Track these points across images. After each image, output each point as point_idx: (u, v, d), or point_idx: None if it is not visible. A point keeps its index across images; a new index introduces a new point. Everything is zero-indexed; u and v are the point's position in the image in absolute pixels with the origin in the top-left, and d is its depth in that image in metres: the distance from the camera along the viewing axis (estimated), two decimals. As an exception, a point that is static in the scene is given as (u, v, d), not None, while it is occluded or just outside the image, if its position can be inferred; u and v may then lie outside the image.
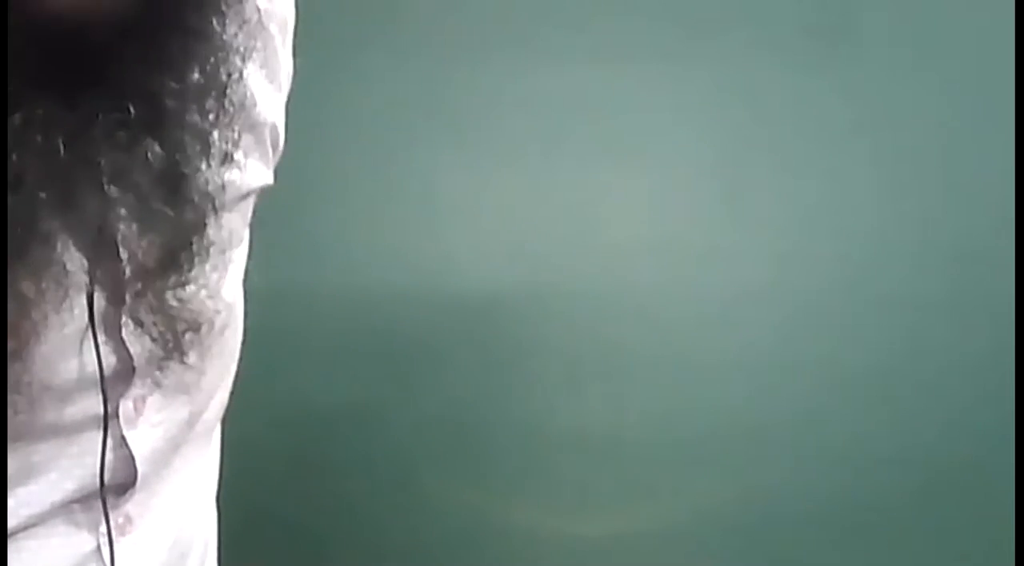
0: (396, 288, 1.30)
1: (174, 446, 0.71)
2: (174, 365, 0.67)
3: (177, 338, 0.65)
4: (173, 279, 0.63)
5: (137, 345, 0.65)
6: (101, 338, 0.63)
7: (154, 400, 0.68)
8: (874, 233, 1.28)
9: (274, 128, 0.75)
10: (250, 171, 0.72)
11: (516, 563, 1.34)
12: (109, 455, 0.66)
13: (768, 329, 1.30)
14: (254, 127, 0.72)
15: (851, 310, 1.29)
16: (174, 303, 0.64)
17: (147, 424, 0.68)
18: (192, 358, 0.67)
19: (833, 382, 1.30)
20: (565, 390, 1.32)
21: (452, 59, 1.29)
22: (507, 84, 1.29)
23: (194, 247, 0.64)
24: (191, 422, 0.72)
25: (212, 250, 0.65)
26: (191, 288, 0.65)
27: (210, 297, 0.67)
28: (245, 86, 0.67)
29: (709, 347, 1.30)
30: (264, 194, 0.77)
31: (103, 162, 0.58)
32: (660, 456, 1.32)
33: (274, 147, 0.76)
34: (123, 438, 0.67)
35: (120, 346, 0.65)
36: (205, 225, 0.64)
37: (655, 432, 1.31)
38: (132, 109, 0.57)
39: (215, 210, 0.65)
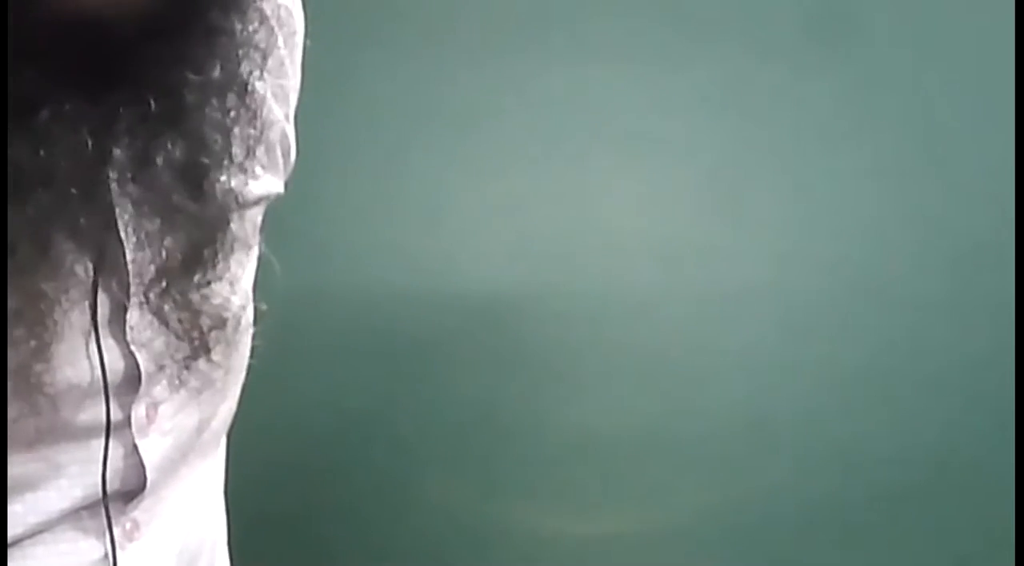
0: (398, 288, 1.30)
1: (182, 453, 0.71)
2: (201, 363, 0.66)
3: (203, 335, 0.65)
4: (198, 277, 0.63)
5: (161, 344, 0.64)
6: (106, 342, 0.63)
7: (166, 408, 0.67)
8: (874, 233, 1.28)
9: (284, 135, 0.74)
10: (263, 175, 0.72)
11: (517, 563, 1.34)
12: (120, 463, 0.66)
13: (768, 329, 1.30)
14: (268, 129, 0.71)
15: (851, 310, 1.29)
16: (200, 300, 0.64)
17: (158, 432, 0.67)
18: (218, 355, 0.67)
19: (833, 382, 1.29)
20: (566, 390, 1.31)
21: (454, 59, 1.28)
22: (508, 84, 1.29)
23: (218, 244, 0.63)
24: (199, 429, 0.71)
25: (236, 246, 0.65)
26: (216, 286, 0.64)
27: (234, 293, 0.67)
28: (265, 85, 0.67)
29: (709, 347, 1.30)
30: (271, 203, 0.77)
31: (125, 158, 0.58)
32: (661, 456, 1.31)
33: (284, 156, 0.75)
34: (135, 446, 0.66)
35: (127, 351, 0.64)
36: (228, 221, 0.64)
37: (656, 432, 1.31)
38: (153, 103, 0.57)
39: (238, 206, 0.65)
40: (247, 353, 0.75)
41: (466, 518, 1.33)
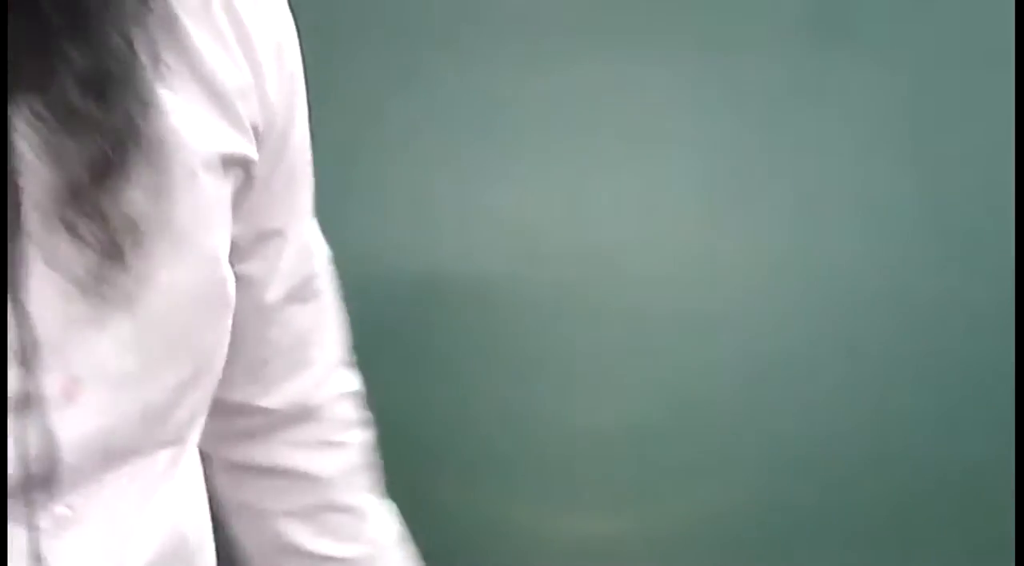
0: (392, 285, 1.30)
1: (123, 439, 0.67)
2: (116, 273, 0.62)
3: (114, 242, 0.62)
4: (108, 184, 0.61)
5: (78, 258, 0.61)
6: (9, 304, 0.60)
7: (96, 385, 0.64)
8: (877, 233, 1.28)
9: (243, 93, 0.70)
10: (213, 130, 0.68)
11: (515, 563, 1.34)
12: (42, 446, 0.62)
13: (768, 329, 1.30)
14: (202, 82, 0.68)
15: (853, 310, 1.29)
16: (110, 206, 0.61)
17: (82, 410, 0.64)
18: (132, 261, 0.62)
19: (835, 383, 1.29)
20: (564, 389, 1.31)
21: (447, 53, 1.28)
22: (504, 79, 1.28)
23: (129, 151, 0.61)
24: (147, 415, 0.67)
25: (152, 153, 0.62)
26: (130, 194, 0.62)
27: (150, 202, 0.63)
28: (181, 27, 0.66)
29: (710, 347, 1.30)
30: (250, 174, 0.73)
31: (24, 71, 0.57)
32: (661, 456, 1.31)
33: (255, 126, 0.71)
34: (46, 426, 0.62)
35: (23, 313, 0.61)
36: (139, 127, 0.61)
37: (656, 432, 1.31)
38: (52, 17, 0.57)
39: (148, 108, 0.62)
40: (219, 333, 0.71)
41: (464, 519, 1.33)
